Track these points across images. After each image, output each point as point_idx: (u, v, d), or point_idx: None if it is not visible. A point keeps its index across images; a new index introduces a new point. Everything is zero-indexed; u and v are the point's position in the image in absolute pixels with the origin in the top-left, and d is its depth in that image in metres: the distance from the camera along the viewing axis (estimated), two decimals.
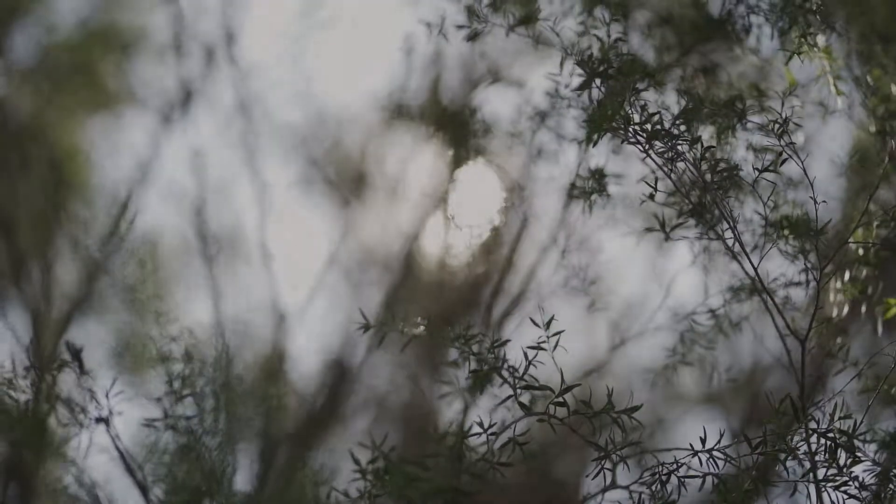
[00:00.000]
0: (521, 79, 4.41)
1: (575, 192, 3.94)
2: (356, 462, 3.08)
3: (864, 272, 3.70)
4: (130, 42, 5.41)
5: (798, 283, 3.69)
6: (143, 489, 3.38)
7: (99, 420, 3.37)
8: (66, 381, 3.39)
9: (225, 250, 5.00)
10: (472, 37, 3.60)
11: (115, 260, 5.00)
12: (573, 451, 4.68)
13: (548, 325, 3.06)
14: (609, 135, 3.21)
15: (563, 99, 3.94)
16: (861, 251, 3.51)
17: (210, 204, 5.06)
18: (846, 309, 3.78)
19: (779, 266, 3.68)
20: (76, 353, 3.39)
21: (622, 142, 3.19)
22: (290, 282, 4.78)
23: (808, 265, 3.55)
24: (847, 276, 3.65)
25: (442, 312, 5.02)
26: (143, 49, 5.42)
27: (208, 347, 3.54)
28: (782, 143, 3.19)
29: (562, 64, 3.59)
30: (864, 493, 3.04)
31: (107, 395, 3.39)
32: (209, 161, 5.08)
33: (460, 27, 3.62)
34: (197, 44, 5.25)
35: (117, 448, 3.39)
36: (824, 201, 3.21)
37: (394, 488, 3.01)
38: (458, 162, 4.78)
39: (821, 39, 3.66)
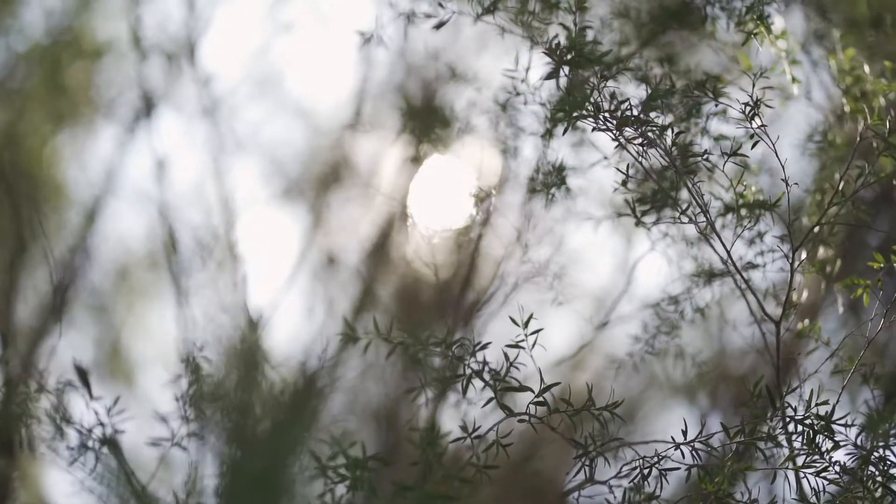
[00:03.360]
0: (484, 74, 4.42)
1: (536, 186, 3.95)
2: (316, 459, 3.07)
3: (823, 251, 3.73)
4: (97, 50, 5.39)
5: (758, 266, 3.71)
6: None
7: (104, 442, 3.32)
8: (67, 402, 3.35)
9: (194, 255, 4.98)
10: (440, 25, 3.57)
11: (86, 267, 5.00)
12: (553, 447, 4.69)
13: (526, 323, 3.08)
14: (570, 128, 3.22)
15: (527, 88, 3.92)
16: (817, 230, 3.53)
17: (178, 209, 5.05)
18: (808, 289, 3.81)
19: (740, 249, 3.70)
20: (83, 375, 3.33)
21: (592, 129, 3.19)
22: (261, 284, 4.77)
23: (779, 246, 3.58)
24: (804, 255, 3.67)
25: (410, 311, 5.02)
26: (109, 56, 5.40)
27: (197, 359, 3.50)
28: (753, 125, 3.19)
29: (516, 59, 3.59)
30: (845, 477, 3.06)
31: (108, 414, 3.34)
32: (176, 166, 5.06)
33: (428, 16, 3.59)
34: (161, 50, 5.23)
35: (122, 468, 3.34)
36: (796, 183, 3.23)
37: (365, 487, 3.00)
38: (422, 159, 4.78)
39: (778, 22, 3.68)
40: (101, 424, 3.32)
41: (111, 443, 3.31)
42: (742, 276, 3.47)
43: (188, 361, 3.44)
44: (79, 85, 5.44)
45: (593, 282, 4.89)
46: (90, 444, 3.30)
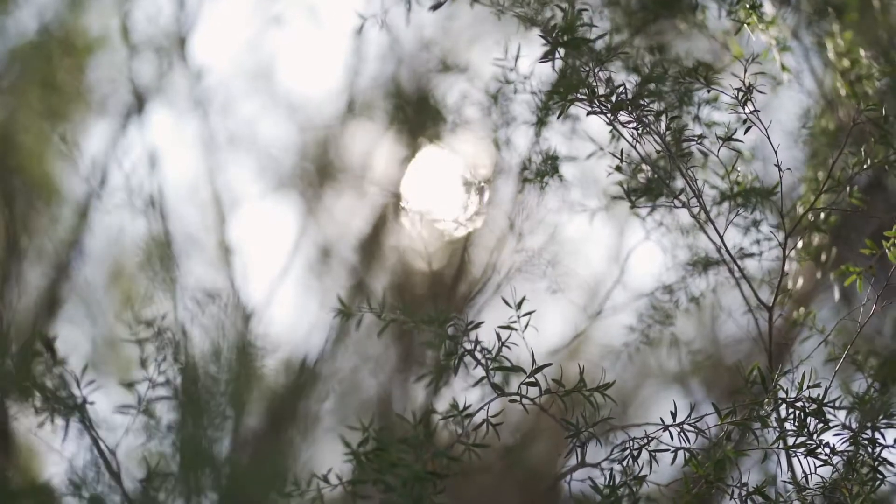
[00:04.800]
0: (475, 65, 4.42)
1: (528, 175, 3.95)
2: (347, 444, 3.06)
3: (817, 238, 3.73)
4: (88, 46, 5.39)
5: (753, 255, 3.71)
6: (117, 476, 3.35)
7: (72, 408, 3.33)
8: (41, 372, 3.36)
9: (187, 248, 4.99)
10: (436, 6, 3.54)
11: (79, 263, 5.00)
12: (547, 440, 4.69)
13: (519, 305, 3.08)
14: (565, 112, 3.21)
15: (517, 76, 3.91)
16: (812, 217, 3.52)
17: (171, 203, 5.05)
18: (802, 277, 3.81)
19: (735, 237, 3.70)
20: (48, 344, 3.35)
21: (588, 113, 3.18)
22: (253, 276, 4.78)
23: (773, 233, 3.58)
24: (800, 243, 3.67)
25: (404, 301, 5.02)
26: (100, 52, 5.41)
27: (176, 340, 3.50)
28: (746, 110, 3.18)
29: (505, 47, 3.59)
30: (836, 459, 3.06)
31: (78, 383, 3.35)
32: (168, 160, 5.07)
33: None
34: (152, 44, 5.23)
35: (91, 436, 3.35)
36: (789, 169, 3.22)
37: (377, 469, 2.99)
38: (416, 150, 4.79)
39: (769, 10, 3.68)
40: (67, 389, 3.32)
41: (80, 408, 3.31)
42: (737, 264, 3.46)
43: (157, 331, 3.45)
44: (71, 81, 5.43)
45: (587, 271, 4.89)
46: (58, 408, 3.31)
